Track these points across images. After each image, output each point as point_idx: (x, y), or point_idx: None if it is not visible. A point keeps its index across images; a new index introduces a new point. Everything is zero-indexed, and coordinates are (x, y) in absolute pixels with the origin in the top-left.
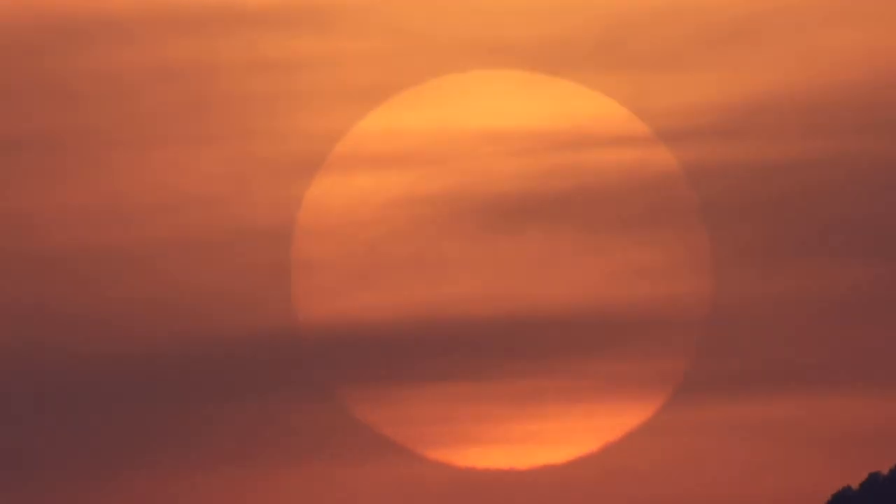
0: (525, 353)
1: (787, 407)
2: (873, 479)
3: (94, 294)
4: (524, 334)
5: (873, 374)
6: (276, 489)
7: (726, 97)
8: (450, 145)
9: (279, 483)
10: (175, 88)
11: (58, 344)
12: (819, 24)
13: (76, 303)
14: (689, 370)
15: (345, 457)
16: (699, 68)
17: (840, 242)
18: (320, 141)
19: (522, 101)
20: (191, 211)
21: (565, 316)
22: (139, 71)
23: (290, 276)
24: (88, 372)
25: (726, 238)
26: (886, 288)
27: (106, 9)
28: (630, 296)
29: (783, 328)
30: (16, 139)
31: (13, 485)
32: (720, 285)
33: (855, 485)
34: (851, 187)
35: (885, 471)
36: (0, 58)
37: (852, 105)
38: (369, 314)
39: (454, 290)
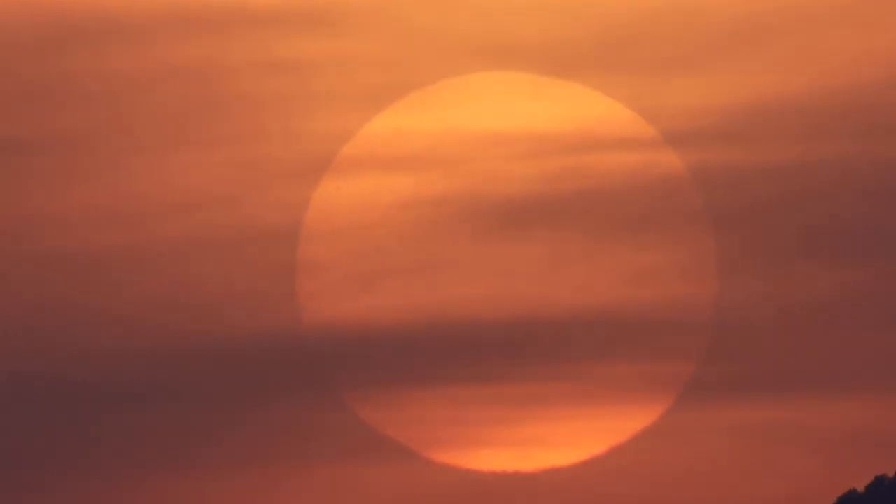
0: (531, 356)
1: (792, 409)
2: (879, 481)
3: (102, 294)
4: (530, 337)
5: (879, 377)
6: (281, 491)
7: (732, 100)
8: (457, 147)
9: (284, 485)
10: (184, 90)
11: (62, 344)
12: (825, 26)
13: (83, 303)
14: (695, 373)
15: (350, 458)
16: (705, 71)
17: (846, 245)
18: (328, 142)
19: (529, 104)
20: (198, 211)
21: (572, 318)
22: (149, 72)
23: (297, 277)
24: (93, 371)
25: (732, 241)
26: (893, 290)
27: (117, 10)
28: (636, 298)
29: (789, 331)
30: (28, 140)
31: (17, 485)
32: (726, 288)
33: (860, 487)
34: (857, 190)
35: (890, 474)
36: (14, 59)
37: (858, 108)
38: (375, 316)
39: (461, 292)
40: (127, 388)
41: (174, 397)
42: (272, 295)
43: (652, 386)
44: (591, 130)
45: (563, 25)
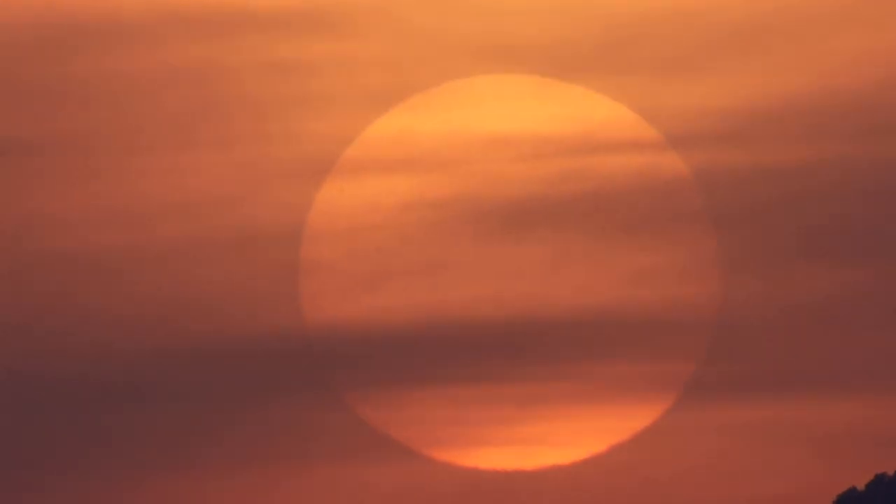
0: (533, 356)
1: (793, 408)
2: (879, 479)
3: (104, 294)
4: (532, 337)
5: (879, 376)
6: (282, 490)
7: (735, 101)
8: (460, 149)
9: (285, 484)
10: (187, 91)
11: (63, 344)
12: (827, 27)
13: (85, 303)
14: (696, 372)
15: (352, 458)
16: (708, 73)
17: (846, 245)
18: (331, 144)
19: (532, 106)
20: (201, 212)
21: (574, 319)
22: (153, 73)
23: (300, 278)
24: (94, 370)
25: (735, 242)
26: (893, 290)
27: (121, 12)
28: (638, 299)
29: (790, 330)
30: (32, 141)
31: (17, 484)
32: (728, 288)
33: (861, 486)
34: (858, 190)
35: (890, 472)
36: (18, 60)
37: (861, 109)
38: (378, 316)
39: (463, 292)
40: (128, 387)
41: (176, 397)
42: (275, 295)
43: (653, 385)
44: (594, 132)
45: (566, 27)
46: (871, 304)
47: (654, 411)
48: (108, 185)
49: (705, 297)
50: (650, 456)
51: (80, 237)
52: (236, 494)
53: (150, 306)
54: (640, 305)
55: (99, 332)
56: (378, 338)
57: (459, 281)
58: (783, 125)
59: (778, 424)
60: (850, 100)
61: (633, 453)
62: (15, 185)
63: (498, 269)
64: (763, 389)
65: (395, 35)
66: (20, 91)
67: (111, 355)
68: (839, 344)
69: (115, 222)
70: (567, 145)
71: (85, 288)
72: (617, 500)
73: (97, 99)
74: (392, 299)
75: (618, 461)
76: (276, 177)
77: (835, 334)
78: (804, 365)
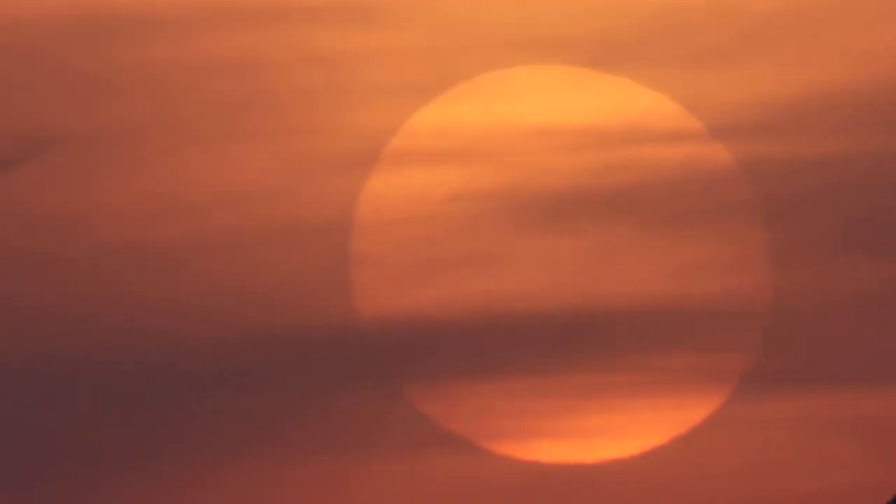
0: (588, 347)
1: (852, 400)
2: None
3: (159, 285)
4: (586, 328)
5: None
6: (343, 483)
7: (779, 92)
8: (504, 140)
9: (346, 478)
10: (233, 82)
11: (118, 336)
12: (873, 18)
13: (142, 295)
14: (752, 363)
15: (410, 451)
16: (752, 64)
17: None
18: (375, 136)
19: (574, 97)
20: (252, 204)
21: (626, 310)
22: (199, 65)
23: (351, 269)
24: (153, 360)
25: (783, 232)
26: None
27: (156, 5)
28: (689, 290)
29: (848, 321)
30: (84, 133)
31: (84, 477)
32: (779, 279)
33: None
34: None
35: None
36: (69, 52)
37: None
38: (430, 308)
39: (512, 283)
40: (184, 378)
41: (233, 392)
42: (327, 286)
43: (709, 377)
44: (637, 123)
45: (608, 18)
46: None
47: (712, 403)
48: (159, 176)
49: (756, 288)
50: (710, 448)
51: (134, 228)
52: (294, 489)
53: (204, 297)
54: (691, 296)
55: (155, 322)
56: (432, 330)
57: (508, 272)
58: (827, 115)
59: (841, 417)
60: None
61: (694, 445)
62: (69, 177)
63: (546, 260)
64: (821, 381)
65: (438, 26)
66: (71, 83)
67: (168, 345)
68: None
69: (167, 213)
70: (610, 136)
71: (140, 279)
72: (678, 493)
73: (146, 90)
74: (444, 291)
75: (679, 454)
76: (323, 168)
77: (893, 324)
78: (862, 356)
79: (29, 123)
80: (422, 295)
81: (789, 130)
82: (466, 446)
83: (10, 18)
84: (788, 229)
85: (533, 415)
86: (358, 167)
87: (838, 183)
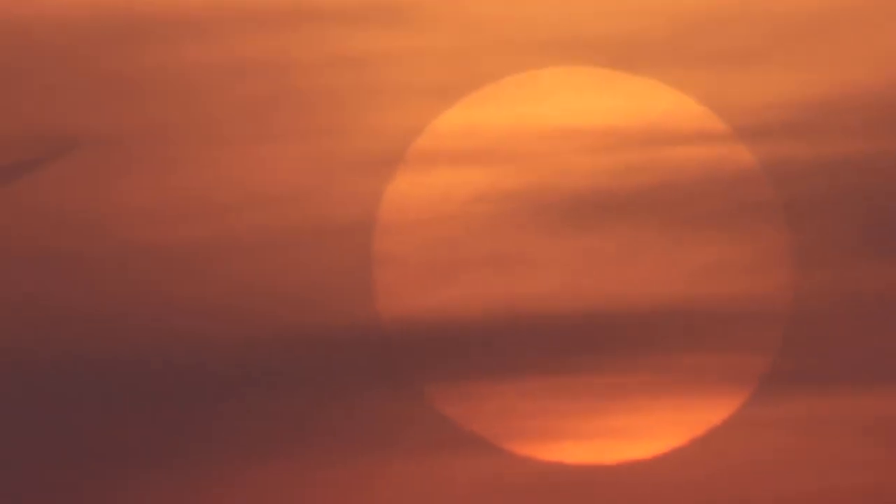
0: (609, 348)
1: (877, 402)
2: None
3: (187, 285)
4: (607, 328)
5: None
6: (363, 483)
7: (804, 93)
8: (528, 141)
9: (366, 478)
10: (260, 83)
11: (145, 336)
12: None
13: (169, 294)
14: (772, 364)
15: (431, 452)
16: (776, 65)
17: None
18: (399, 137)
19: (599, 98)
20: (279, 204)
21: (647, 310)
22: (227, 66)
23: (375, 269)
24: (181, 361)
25: (805, 233)
26: None
27: (185, 6)
28: (710, 291)
29: (868, 322)
30: (112, 134)
31: (112, 477)
32: (802, 280)
33: None
34: None
35: None
36: (98, 53)
37: None
38: (453, 308)
39: (536, 284)
40: (211, 378)
41: (255, 393)
42: (351, 285)
43: (729, 377)
44: (662, 124)
45: (633, 19)
46: None
47: (732, 404)
48: (187, 176)
49: (778, 289)
50: (730, 449)
51: (162, 228)
52: (316, 488)
53: (229, 297)
54: (712, 297)
55: (182, 321)
56: (454, 330)
57: (531, 272)
58: (852, 116)
59: (857, 418)
60: None
61: (714, 446)
62: (98, 177)
63: (569, 260)
64: (843, 382)
65: (463, 27)
66: (100, 84)
67: (195, 345)
68: None
69: (195, 214)
70: (634, 137)
71: (168, 279)
72: (698, 494)
73: (175, 91)
74: (467, 291)
75: (699, 454)
76: (347, 168)
77: None
78: (885, 358)
79: (57, 123)
80: (444, 295)
81: (813, 131)
82: (488, 447)
83: (38, 19)
84: (811, 230)
85: (555, 415)
86: (382, 167)
87: (862, 184)
